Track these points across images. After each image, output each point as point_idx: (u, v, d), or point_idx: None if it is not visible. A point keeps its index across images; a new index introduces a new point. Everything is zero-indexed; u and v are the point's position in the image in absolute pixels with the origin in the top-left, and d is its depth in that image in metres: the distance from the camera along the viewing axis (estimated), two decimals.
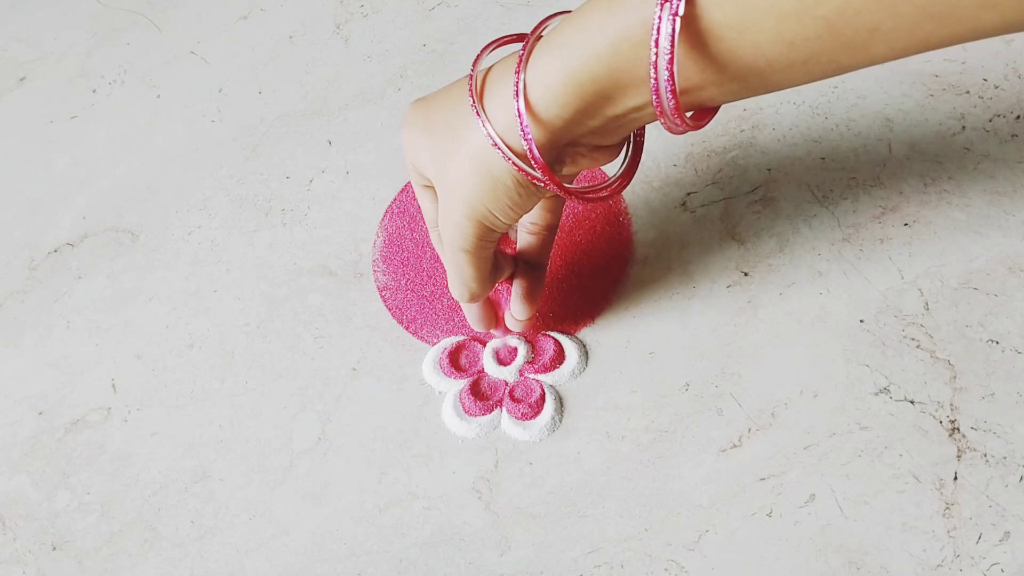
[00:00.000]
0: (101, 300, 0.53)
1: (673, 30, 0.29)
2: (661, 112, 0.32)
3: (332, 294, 0.51)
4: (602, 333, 0.47)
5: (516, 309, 0.45)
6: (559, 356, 0.46)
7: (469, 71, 0.36)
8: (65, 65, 0.64)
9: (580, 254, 0.50)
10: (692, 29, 0.30)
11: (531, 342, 0.48)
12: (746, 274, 0.48)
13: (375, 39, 0.61)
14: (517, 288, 0.45)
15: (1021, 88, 0.51)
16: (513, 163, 0.34)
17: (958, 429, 0.42)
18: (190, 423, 0.47)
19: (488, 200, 0.36)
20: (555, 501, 0.43)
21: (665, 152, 0.52)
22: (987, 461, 0.41)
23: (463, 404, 0.46)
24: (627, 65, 0.31)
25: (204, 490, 0.45)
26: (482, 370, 0.47)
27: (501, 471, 0.44)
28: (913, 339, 0.45)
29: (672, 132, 0.33)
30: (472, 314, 0.46)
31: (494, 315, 0.46)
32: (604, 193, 0.38)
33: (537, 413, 0.45)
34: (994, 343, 0.44)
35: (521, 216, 0.38)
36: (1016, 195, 0.48)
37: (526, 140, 0.33)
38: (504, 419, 0.45)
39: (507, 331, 0.47)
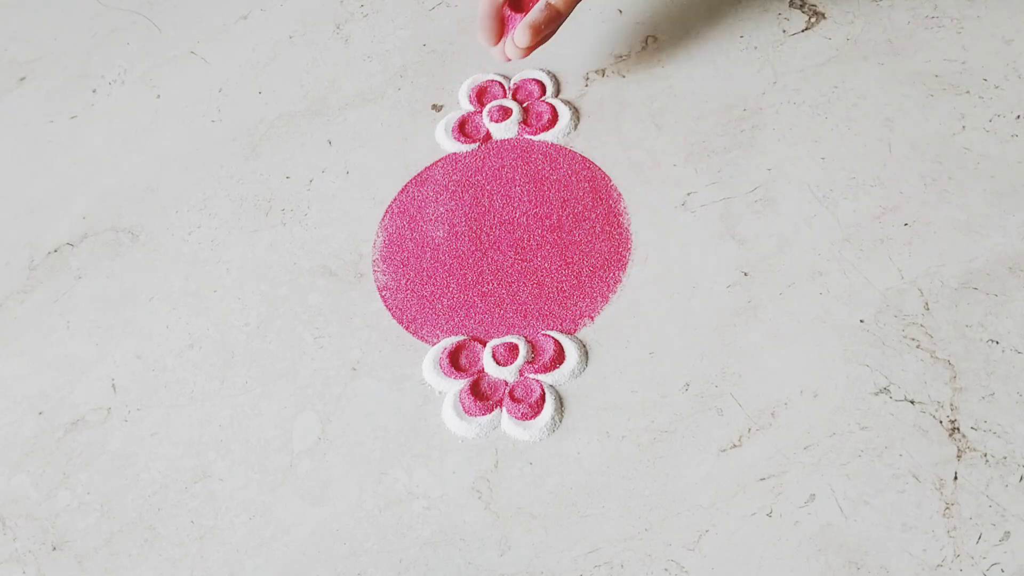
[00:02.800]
0: (101, 300, 0.53)
1: None
2: None
3: (332, 294, 0.51)
4: (602, 333, 0.47)
5: (518, 34, 0.50)
6: (559, 356, 0.46)
7: None
8: (65, 65, 0.64)
9: (580, 254, 0.50)
10: None
11: (531, 342, 0.48)
12: (746, 274, 0.48)
13: (375, 39, 0.61)
14: (527, 17, 0.50)
15: (1021, 88, 0.51)
16: None
17: (958, 429, 0.42)
18: (190, 423, 0.47)
19: None
20: (555, 501, 0.43)
21: (665, 151, 0.52)
22: (987, 461, 0.41)
23: (463, 404, 0.46)
24: None
25: (204, 490, 0.45)
26: (482, 370, 0.47)
27: (501, 471, 0.44)
28: (913, 339, 0.45)
29: None
30: (482, 25, 0.52)
31: (498, 33, 0.52)
32: None
33: (537, 413, 0.45)
34: (994, 343, 0.44)
35: None
36: (1016, 195, 0.48)
37: None
38: (504, 419, 0.45)
39: (506, 58, 0.52)
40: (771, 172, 0.50)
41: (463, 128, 0.56)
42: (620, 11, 0.60)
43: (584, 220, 0.51)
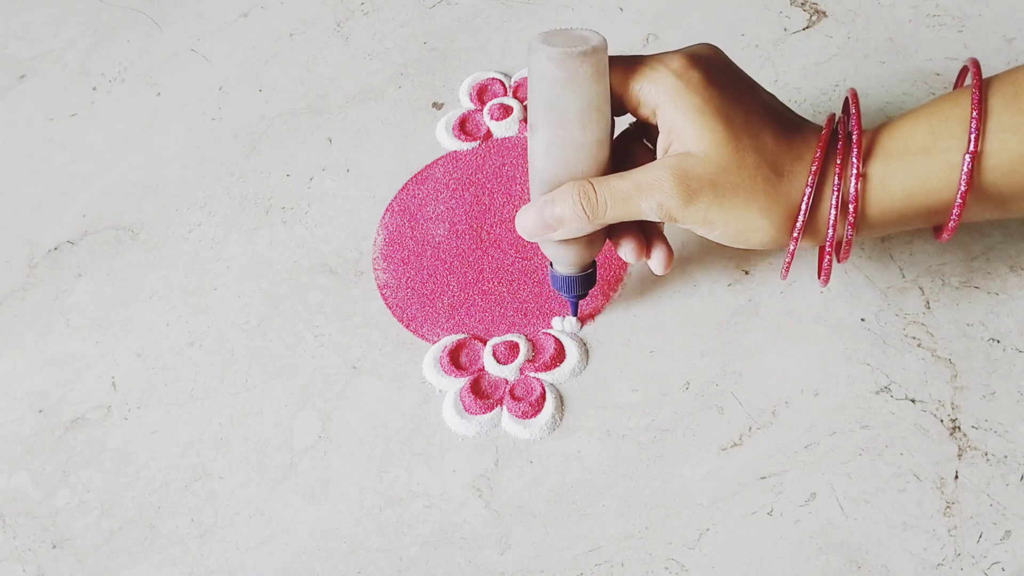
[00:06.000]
0: (101, 298, 0.52)
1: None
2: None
3: (332, 292, 0.51)
4: (602, 331, 0.47)
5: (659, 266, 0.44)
6: (559, 354, 0.46)
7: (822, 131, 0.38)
8: (65, 63, 0.64)
9: None
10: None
11: (532, 340, 0.47)
12: (747, 272, 0.48)
13: (375, 37, 0.61)
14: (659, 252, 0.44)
15: None
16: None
17: (959, 428, 0.42)
18: (190, 421, 0.47)
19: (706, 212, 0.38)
20: (555, 499, 0.43)
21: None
22: (988, 460, 0.41)
23: (463, 402, 0.46)
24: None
25: (204, 488, 0.45)
26: (482, 368, 0.47)
27: (501, 469, 0.44)
28: (914, 338, 0.45)
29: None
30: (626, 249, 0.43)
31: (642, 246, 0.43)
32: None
33: (537, 411, 0.45)
34: (995, 342, 0.44)
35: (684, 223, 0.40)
36: None
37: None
38: (504, 417, 0.45)
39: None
40: None
41: (464, 126, 0.56)
42: (621, 9, 0.59)
43: None
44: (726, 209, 0.38)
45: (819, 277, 0.41)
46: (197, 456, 0.46)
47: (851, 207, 0.37)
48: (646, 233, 0.43)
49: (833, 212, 0.37)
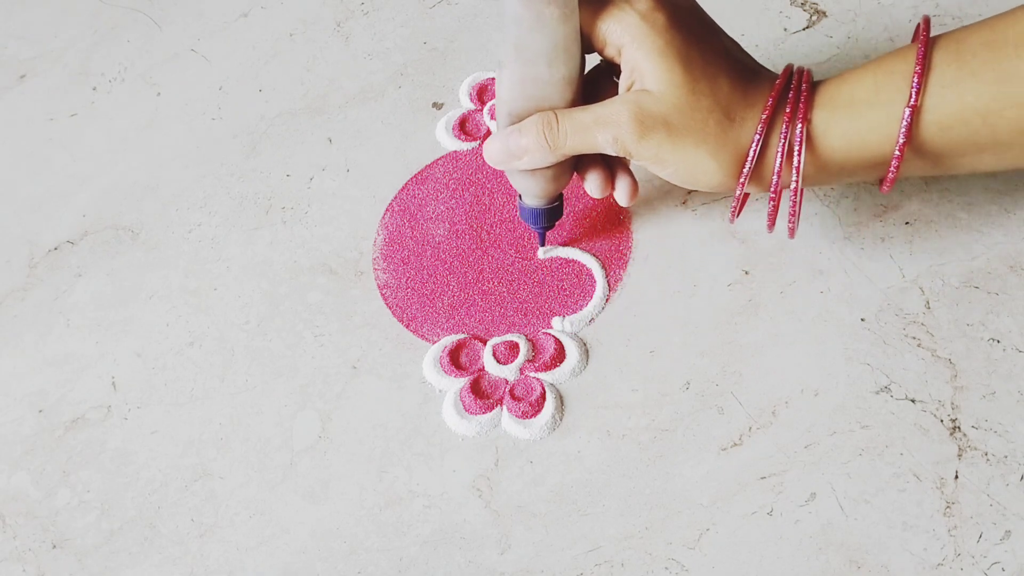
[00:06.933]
0: (101, 298, 0.52)
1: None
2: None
3: (332, 292, 0.51)
4: (602, 331, 0.47)
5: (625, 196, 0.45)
6: (559, 354, 0.46)
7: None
8: (65, 63, 0.64)
9: (580, 252, 0.50)
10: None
11: (532, 340, 0.47)
12: (747, 272, 0.48)
13: (375, 37, 0.61)
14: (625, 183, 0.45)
15: None
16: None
17: (959, 428, 0.42)
18: (190, 421, 0.47)
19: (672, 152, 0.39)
20: (555, 499, 0.43)
21: None
22: (988, 460, 0.41)
23: (463, 402, 0.46)
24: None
25: (204, 488, 0.45)
26: (482, 368, 0.47)
27: (501, 469, 0.44)
28: (914, 338, 0.45)
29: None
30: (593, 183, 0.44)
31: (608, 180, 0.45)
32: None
33: (537, 411, 0.45)
34: (995, 342, 0.44)
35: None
36: (1017, 193, 0.48)
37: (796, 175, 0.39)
38: (504, 417, 0.45)
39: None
40: None
41: (464, 126, 0.56)
42: None
43: (584, 218, 0.51)
44: (677, 148, 0.39)
45: (767, 222, 0.42)
46: (197, 456, 0.46)
47: (796, 155, 0.38)
48: (611, 168, 0.44)
49: (779, 159, 0.38)
